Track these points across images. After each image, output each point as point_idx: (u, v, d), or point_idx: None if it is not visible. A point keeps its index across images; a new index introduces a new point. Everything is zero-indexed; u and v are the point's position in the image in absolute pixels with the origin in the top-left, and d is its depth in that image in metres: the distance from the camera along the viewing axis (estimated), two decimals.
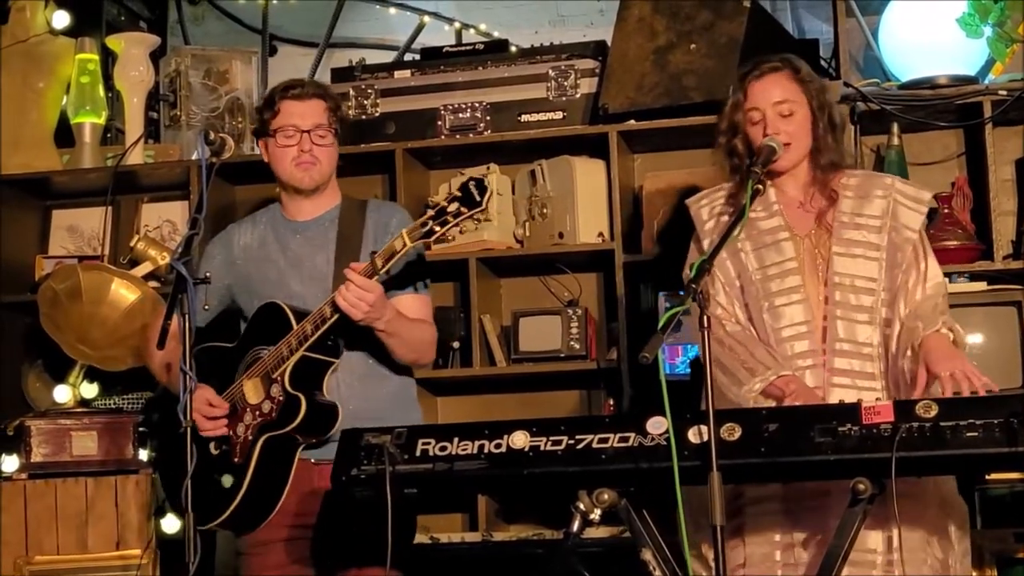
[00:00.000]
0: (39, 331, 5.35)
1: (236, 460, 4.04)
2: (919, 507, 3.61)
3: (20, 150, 5.73)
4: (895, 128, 5.06)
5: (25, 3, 5.77)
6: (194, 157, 5.53)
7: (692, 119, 5.09)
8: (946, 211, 5.02)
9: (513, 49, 5.64)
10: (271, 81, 6.37)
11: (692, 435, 3.39)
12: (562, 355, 5.29)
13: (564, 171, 5.33)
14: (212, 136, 4.00)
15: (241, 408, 4.07)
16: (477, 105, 5.48)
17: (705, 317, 3.28)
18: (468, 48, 5.71)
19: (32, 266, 5.67)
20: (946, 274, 4.75)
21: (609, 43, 5.40)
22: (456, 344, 5.40)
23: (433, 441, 3.56)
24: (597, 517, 3.47)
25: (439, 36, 6.29)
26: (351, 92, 5.59)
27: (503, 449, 3.50)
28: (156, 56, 5.95)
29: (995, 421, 3.25)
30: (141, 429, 5.25)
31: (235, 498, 4.00)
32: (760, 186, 3.74)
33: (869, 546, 3.58)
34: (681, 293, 3.40)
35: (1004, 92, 4.95)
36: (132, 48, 5.85)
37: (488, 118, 5.46)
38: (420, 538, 4.96)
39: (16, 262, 5.68)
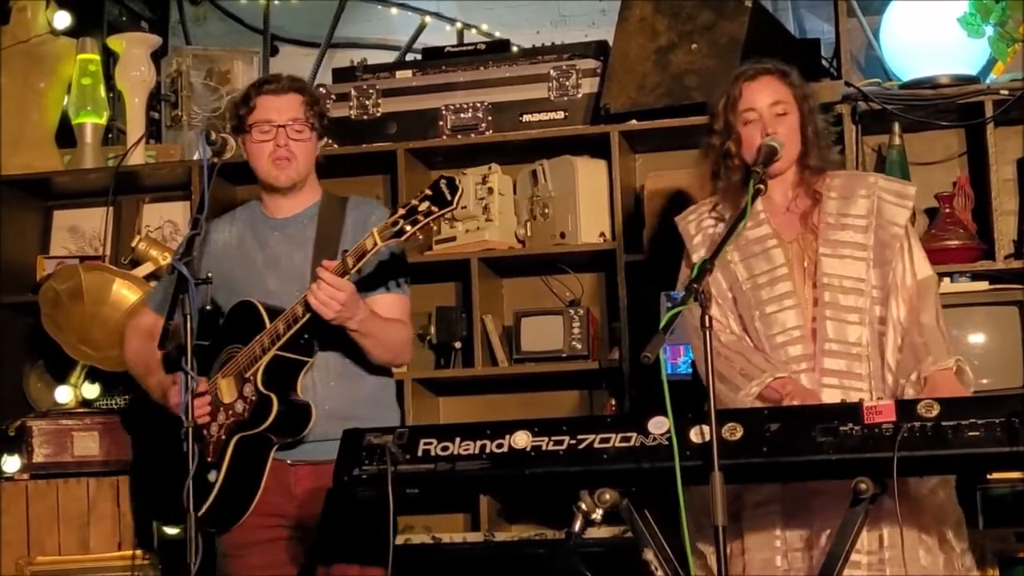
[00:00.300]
0: (40, 332, 5.35)
1: (209, 459, 4.02)
2: (913, 509, 3.61)
3: (21, 150, 5.73)
4: (896, 128, 5.06)
5: (26, 3, 5.77)
6: (195, 157, 5.53)
7: (693, 119, 5.08)
8: (947, 211, 5.02)
9: (515, 49, 5.65)
10: None
11: (694, 435, 3.39)
12: (564, 355, 5.29)
13: (566, 171, 5.33)
14: (213, 136, 4.00)
15: (215, 407, 4.06)
16: (479, 105, 5.48)
17: (707, 317, 3.28)
18: (470, 48, 5.71)
19: (33, 266, 5.67)
20: (947, 274, 4.78)
21: (611, 43, 5.40)
22: (458, 344, 5.41)
23: (435, 441, 3.56)
24: (599, 517, 3.47)
25: (441, 36, 6.29)
26: (352, 92, 5.59)
27: (505, 449, 3.50)
28: (157, 56, 5.95)
29: (996, 421, 3.25)
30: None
31: (207, 497, 3.97)
32: (762, 185, 3.74)
33: (857, 546, 3.58)
34: (677, 295, 3.40)
35: (1005, 92, 4.95)
36: (133, 48, 5.86)
37: (490, 118, 5.46)
38: (422, 538, 4.97)
39: (17, 262, 5.68)
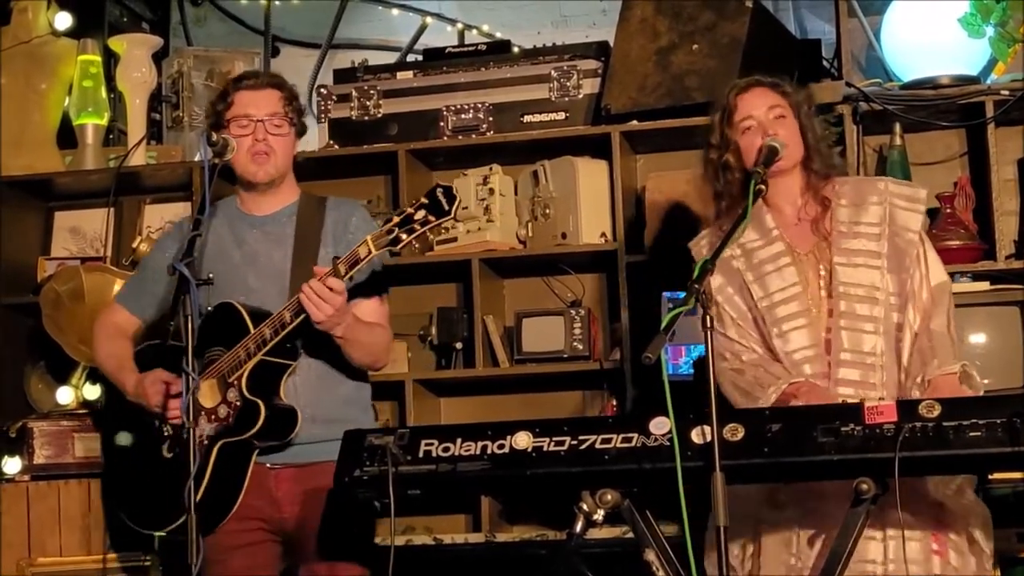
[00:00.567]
0: (41, 333, 5.35)
1: (188, 472, 3.91)
2: (940, 512, 3.61)
3: (22, 151, 5.73)
4: (897, 128, 5.06)
5: (27, 4, 5.77)
6: (196, 158, 5.52)
7: (694, 119, 5.07)
8: (948, 211, 5.01)
9: (515, 50, 5.64)
10: None
11: (695, 435, 3.39)
12: (565, 356, 5.28)
13: (567, 172, 5.32)
14: (214, 137, 4.00)
15: (196, 410, 3.97)
16: (479, 106, 5.48)
17: (708, 317, 3.28)
18: (470, 49, 5.71)
19: (34, 267, 5.66)
20: (949, 274, 4.76)
21: (611, 44, 5.40)
22: (459, 345, 5.40)
23: (436, 442, 3.56)
24: (600, 518, 3.48)
25: (442, 37, 6.29)
26: (353, 93, 5.59)
27: (506, 450, 3.51)
28: (158, 57, 5.95)
29: (998, 421, 3.26)
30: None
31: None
32: (763, 186, 3.74)
33: (868, 556, 3.58)
34: (679, 296, 3.40)
35: (1006, 92, 4.95)
36: (134, 49, 5.86)
37: (491, 119, 5.46)
38: (423, 539, 4.97)
39: (18, 263, 5.68)
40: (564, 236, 5.31)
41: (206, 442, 3.99)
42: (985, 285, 4.90)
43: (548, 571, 4.05)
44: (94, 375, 5.45)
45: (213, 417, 4.01)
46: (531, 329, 5.32)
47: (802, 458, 3.35)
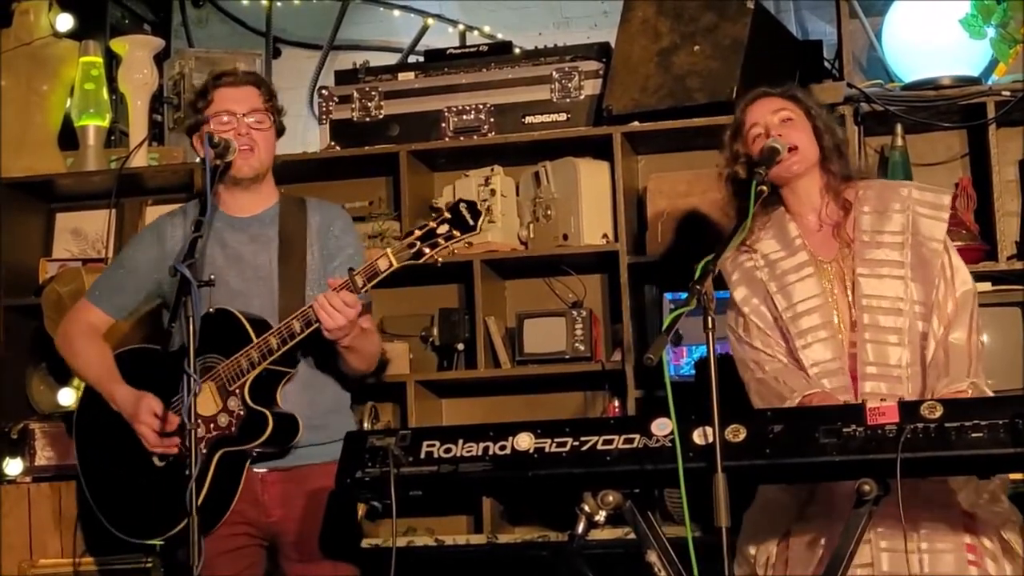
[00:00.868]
0: (43, 334, 5.34)
1: (186, 472, 3.85)
2: (972, 520, 3.61)
3: (24, 153, 5.73)
4: (899, 129, 5.06)
5: (29, 6, 5.77)
6: (198, 160, 5.52)
7: (696, 120, 5.09)
8: (950, 212, 5.01)
9: (517, 51, 5.64)
10: (275, 83, 6.36)
11: (697, 436, 3.39)
12: (567, 357, 5.28)
13: (568, 173, 5.32)
14: (216, 139, 3.99)
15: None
16: (481, 107, 5.48)
17: (710, 319, 3.28)
18: (472, 50, 5.71)
19: (36, 269, 5.67)
20: None
21: (613, 45, 5.40)
22: (460, 346, 5.40)
23: (438, 443, 3.56)
24: (602, 519, 3.47)
25: (443, 38, 6.29)
26: (355, 94, 5.59)
27: (508, 451, 3.50)
28: (160, 59, 5.95)
29: (1000, 422, 3.25)
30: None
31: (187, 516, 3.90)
32: (764, 187, 3.74)
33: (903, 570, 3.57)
34: (680, 297, 3.40)
35: (1007, 93, 4.95)
36: (136, 51, 5.86)
37: (492, 120, 5.46)
38: (425, 540, 4.97)
39: (20, 265, 5.68)
40: (566, 237, 5.31)
41: (205, 450, 3.96)
42: (987, 286, 4.90)
43: (550, 573, 4.06)
44: None
45: (212, 426, 3.99)
46: (533, 330, 5.32)
47: (804, 459, 3.34)
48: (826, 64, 5.40)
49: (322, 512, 4.04)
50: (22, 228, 5.76)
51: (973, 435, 3.25)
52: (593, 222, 5.29)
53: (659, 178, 5.33)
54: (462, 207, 3.82)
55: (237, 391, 3.97)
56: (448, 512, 5.35)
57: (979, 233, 5.02)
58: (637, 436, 3.45)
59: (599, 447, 3.46)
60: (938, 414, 3.29)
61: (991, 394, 3.71)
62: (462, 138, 5.47)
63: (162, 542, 4.05)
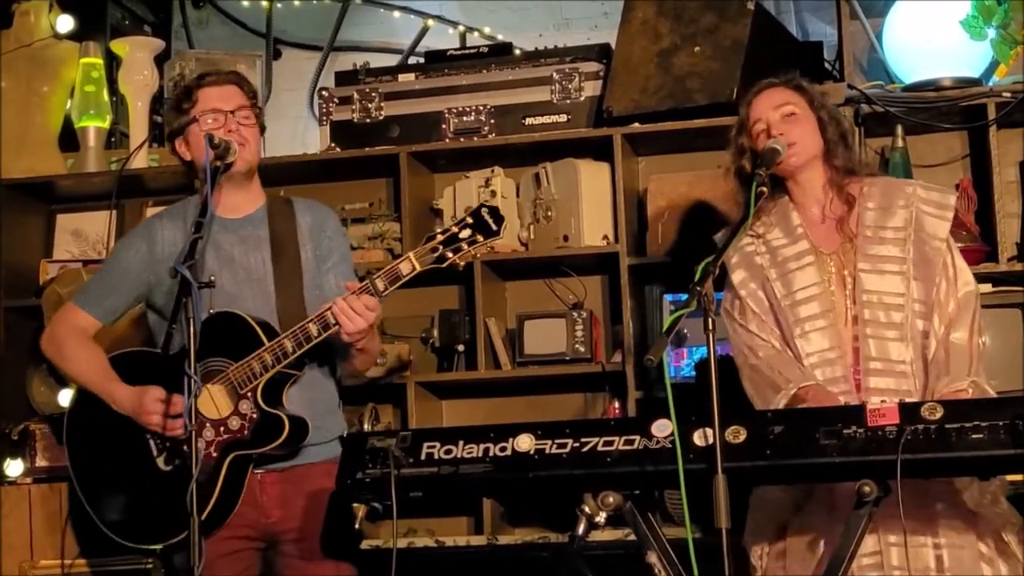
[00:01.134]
0: None
1: (190, 475, 3.84)
2: (974, 521, 3.61)
3: (24, 154, 5.73)
4: (899, 130, 5.06)
5: (29, 7, 5.78)
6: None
7: (696, 121, 5.09)
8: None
9: (517, 52, 5.64)
10: (275, 85, 6.39)
11: (697, 438, 3.39)
12: (567, 358, 5.28)
13: (568, 174, 5.32)
14: (216, 140, 3.99)
15: (198, 422, 3.92)
16: (481, 108, 5.48)
17: (710, 320, 3.28)
18: (472, 51, 5.71)
19: (36, 270, 5.67)
20: None
21: (613, 46, 5.40)
22: (461, 347, 5.40)
23: (438, 444, 3.56)
24: (602, 520, 3.47)
25: (443, 39, 6.29)
26: (355, 95, 5.59)
27: (508, 452, 3.51)
28: (160, 60, 5.95)
29: (1000, 423, 3.25)
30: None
31: (199, 518, 3.81)
32: (764, 188, 3.74)
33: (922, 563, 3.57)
34: (681, 298, 3.41)
35: (1008, 94, 4.95)
36: (136, 52, 5.86)
37: (492, 121, 5.46)
38: (425, 541, 4.97)
39: (21, 266, 5.68)
40: (566, 238, 5.31)
41: (215, 453, 3.95)
42: (987, 287, 4.89)
43: (551, 574, 4.06)
44: None
45: (223, 429, 3.97)
46: (533, 331, 5.32)
47: (804, 460, 3.35)
48: (827, 65, 5.40)
49: (322, 512, 4.04)
50: (22, 229, 5.76)
51: (973, 436, 3.25)
52: (593, 223, 5.29)
53: (659, 179, 5.33)
54: (484, 212, 3.84)
55: (249, 394, 3.95)
56: (448, 513, 5.35)
57: (979, 234, 5.02)
58: (637, 437, 3.45)
59: (599, 448, 3.46)
60: (938, 415, 3.29)
61: (993, 393, 3.71)
62: (462, 139, 5.47)
63: (160, 547, 4.01)
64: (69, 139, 5.84)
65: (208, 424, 3.96)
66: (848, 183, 3.90)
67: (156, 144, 5.90)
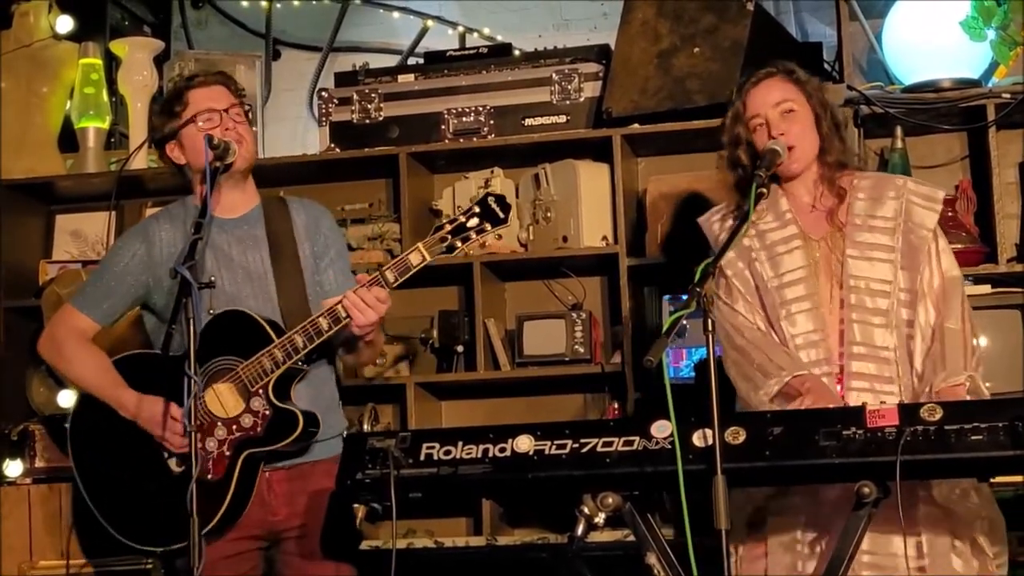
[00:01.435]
0: None
1: (210, 477, 3.91)
2: (945, 514, 3.61)
3: (24, 155, 5.73)
4: (899, 131, 5.06)
5: (29, 7, 5.78)
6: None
7: (696, 123, 5.09)
8: (950, 214, 5.01)
9: (517, 53, 5.64)
10: (274, 85, 6.39)
11: (697, 439, 3.39)
12: (566, 359, 5.28)
13: (568, 175, 5.32)
14: (216, 140, 3.99)
15: (208, 422, 3.94)
16: (481, 109, 5.48)
17: (710, 321, 3.28)
18: (471, 52, 5.71)
19: (36, 271, 5.67)
20: None
21: (613, 47, 5.40)
22: (460, 348, 5.40)
23: (437, 445, 3.56)
24: (602, 521, 3.47)
25: (443, 40, 6.29)
26: (355, 96, 5.59)
27: (508, 453, 3.50)
28: (160, 60, 5.95)
29: (1000, 424, 3.25)
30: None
31: (211, 520, 3.87)
32: (764, 190, 3.74)
33: (892, 550, 3.57)
34: (684, 298, 3.40)
35: (1008, 95, 4.95)
36: (136, 52, 5.86)
37: (492, 122, 5.46)
38: (424, 542, 4.97)
39: (20, 267, 5.68)
40: (565, 239, 5.31)
41: (228, 452, 3.94)
42: (986, 288, 4.91)
43: (550, 575, 4.06)
44: None
45: (236, 427, 3.95)
46: (532, 332, 5.32)
47: (804, 461, 3.34)
48: (826, 66, 5.40)
49: (323, 510, 4.04)
50: (22, 230, 5.76)
51: (973, 438, 3.25)
52: (593, 224, 5.30)
53: (659, 180, 5.33)
54: (491, 200, 3.85)
55: (261, 391, 3.93)
56: (448, 514, 5.36)
57: (979, 235, 5.02)
58: (637, 438, 3.45)
59: (599, 449, 3.46)
60: (938, 417, 3.29)
61: (985, 389, 3.73)
62: (462, 140, 5.47)
63: (176, 548, 3.99)
64: (69, 140, 5.84)
65: (220, 423, 3.95)
66: (840, 176, 3.91)
67: (153, 140, 5.90)
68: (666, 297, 5.15)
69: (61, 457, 5.27)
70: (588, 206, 5.29)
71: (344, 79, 5.71)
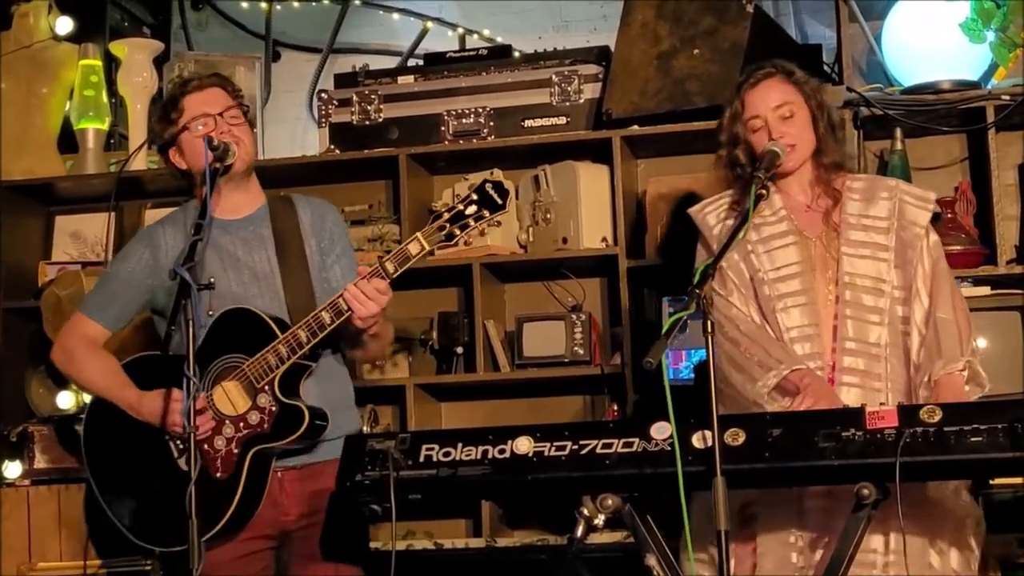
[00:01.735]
0: (42, 337, 5.34)
1: (219, 475, 3.92)
2: (935, 511, 3.61)
3: (23, 156, 5.73)
4: (898, 133, 5.06)
5: (29, 9, 5.78)
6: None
7: (695, 124, 5.09)
8: (949, 216, 5.01)
9: (516, 54, 5.64)
10: (274, 87, 6.39)
11: (696, 440, 3.39)
12: (566, 360, 5.28)
13: (568, 176, 5.32)
14: (216, 142, 3.99)
15: (216, 420, 3.94)
16: (480, 110, 5.48)
17: (709, 322, 3.28)
18: (471, 53, 5.71)
19: (35, 272, 5.67)
20: None
21: (612, 48, 5.40)
22: (460, 349, 5.40)
23: (437, 446, 3.56)
24: (601, 522, 3.47)
25: (443, 41, 6.29)
26: (354, 98, 5.59)
27: (507, 454, 3.51)
28: (160, 62, 5.95)
29: (999, 426, 3.26)
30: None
31: (221, 519, 3.88)
32: (764, 191, 3.75)
33: (871, 547, 3.58)
34: (684, 299, 3.40)
35: (1007, 97, 4.95)
36: (135, 54, 5.86)
37: (491, 123, 5.46)
38: (424, 544, 4.97)
39: (19, 268, 5.68)
40: (565, 241, 5.31)
41: (236, 450, 3.93)
42: (986, 290, 4.91)
43: None
44: None
45: (243, 424, 3.94)
46: (532, 334, 5.32)
47: (803, 463, 3.35)
48: (825, 68, 5.40)
49: (333, 511, 4.04)
50: (21, 231, 5.76)
51: (972, 439, 3.26)
52: (592, 226, 5.30)
53: (658, 181, 5.33)
54: (488, 187, 3.83)
55: (267, 387, 3.92)
56: (447, 516, 5.36)
57: (978, 237, 5.03)
58: (636, 440, 3.45)
59: (598, 451, 3.46)
60: (937, 418, 3.30)
61: (983, 373, 3.74)
62: (461, 141, 5.47)
63: (181, 549, 3.98)
64: (68, 141, 5.84)
65: (227, 421, 3.94)
66: (835, 178, 3.92)
67: (155, 146, 5.90)
68: (666, 298, 5.14)
69: (60, 458, 5.28)
70: (588, 207, 5.29)
71: (344, 80, 5.71)
